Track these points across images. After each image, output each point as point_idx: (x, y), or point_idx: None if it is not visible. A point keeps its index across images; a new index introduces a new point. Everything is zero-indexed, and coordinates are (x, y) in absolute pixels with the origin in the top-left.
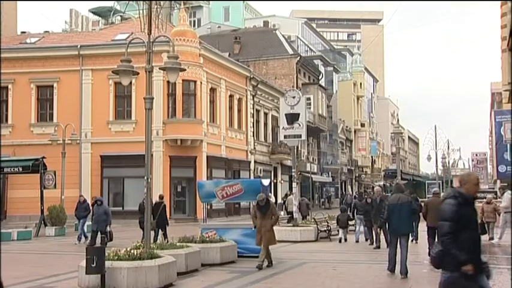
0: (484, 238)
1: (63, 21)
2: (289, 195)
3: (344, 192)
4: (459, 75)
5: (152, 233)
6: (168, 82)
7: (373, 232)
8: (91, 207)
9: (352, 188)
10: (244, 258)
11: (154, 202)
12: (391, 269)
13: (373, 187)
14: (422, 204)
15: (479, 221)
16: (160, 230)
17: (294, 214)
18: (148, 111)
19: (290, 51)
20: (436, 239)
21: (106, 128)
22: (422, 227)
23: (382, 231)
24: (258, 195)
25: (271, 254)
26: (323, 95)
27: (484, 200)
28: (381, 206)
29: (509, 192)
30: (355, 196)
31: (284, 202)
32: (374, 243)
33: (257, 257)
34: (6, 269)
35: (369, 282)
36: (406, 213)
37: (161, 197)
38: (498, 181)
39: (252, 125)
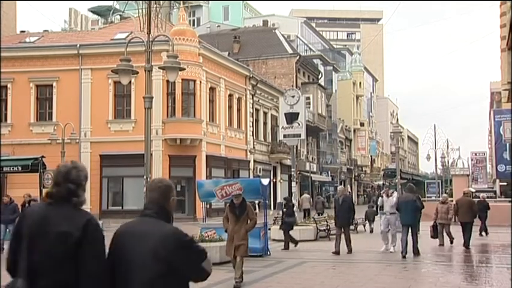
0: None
1: (63, 20)
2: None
3: None
4: (459, 75)
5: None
6: (168, 81)
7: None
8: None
9: (351, 188)
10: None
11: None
12: (404, 255)
13: (372, 186)
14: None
15: (432, 223)
16: None
17: (295, 213)
18: (147, 111)
19: (289, 51)
20: (465, 233)
21: (105, 127)
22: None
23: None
24: (234, 193)
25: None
26: (322, 94)
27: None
28: (344, 207)
29: (396, 193)
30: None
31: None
32: (286, 245)
33: (257, 256)
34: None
35: (368, 281)
36: (411, 208)
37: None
38: (497, 180)
39: (251, 125)
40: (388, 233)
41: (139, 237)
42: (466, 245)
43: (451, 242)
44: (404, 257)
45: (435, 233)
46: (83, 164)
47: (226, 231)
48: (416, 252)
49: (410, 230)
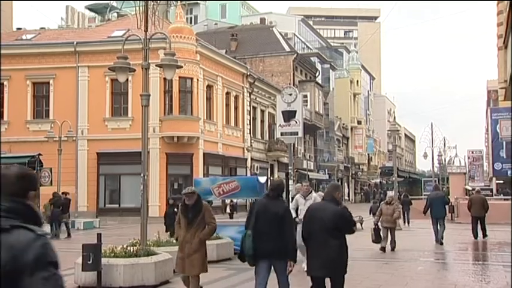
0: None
1: (59, 18)
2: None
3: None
4: (456, 73)
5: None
6: (165, 79)
7: None
8: None
9: (348, 186)
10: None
11: (63, 198)
12: (437, 241)
13: (369, 184)
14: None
15: (373, 226)
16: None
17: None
18: (144, 108)
19: (287, 49)
20: (479, 226)
21: (102, 125)
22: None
23: None
24: (186, 188)
25: None
26: (320, 92)
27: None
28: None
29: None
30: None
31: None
32: None
33: None
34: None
35: (365, 279)
36: (440, 203)
37: (66, 194)
38: (494, 178)
39: (248, 122)
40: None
41: (322, 210)
42: (484, 235)
43: (393, 249)
44: (441, 243)
45: (377, 237)
46: (282, 179)
47: (177, 239)
48: (440, 241)
49: (438, 222)
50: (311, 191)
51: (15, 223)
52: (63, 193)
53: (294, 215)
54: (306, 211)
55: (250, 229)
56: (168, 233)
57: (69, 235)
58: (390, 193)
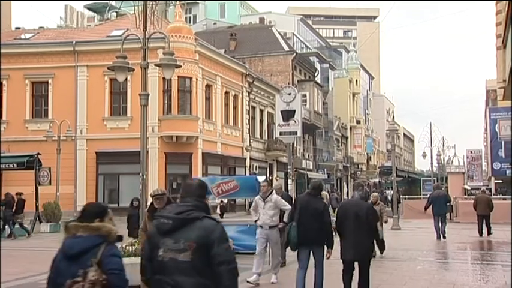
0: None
1: (58, 17)
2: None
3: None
4: (455, 73)
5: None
6: (164, 78)
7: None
8: None
9: (347, 185)
10: (240, 255)
11: (22, 199)
12: (438, 237)
13: (368, 184)
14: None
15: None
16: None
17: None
18: (143, 108)
19: (286, 48)
20: (484, 224)
21: (101, 125)
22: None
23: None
24: (155, 189)
25: None
26: (319, 92)
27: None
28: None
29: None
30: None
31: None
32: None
33: (253, 253)
34: (2, 266)
35: None
36: (443, 202)
37: (20, 194)
38: (493, 178)
39: (247, 122)
40: (264, 254)
41: (354, 206)
42: (489, 233)
43: (378, 253)
44: (440, 238)
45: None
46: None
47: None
48: (443, 236)
49: (440, 219)
50: (271, 192)
51: (203, 215)
52: (17, 193)
53: (254, 217)
54: (340, 207)
55: (295, 221)
56: (132, 238)
57: (28, 234)
58: (375, 194)
